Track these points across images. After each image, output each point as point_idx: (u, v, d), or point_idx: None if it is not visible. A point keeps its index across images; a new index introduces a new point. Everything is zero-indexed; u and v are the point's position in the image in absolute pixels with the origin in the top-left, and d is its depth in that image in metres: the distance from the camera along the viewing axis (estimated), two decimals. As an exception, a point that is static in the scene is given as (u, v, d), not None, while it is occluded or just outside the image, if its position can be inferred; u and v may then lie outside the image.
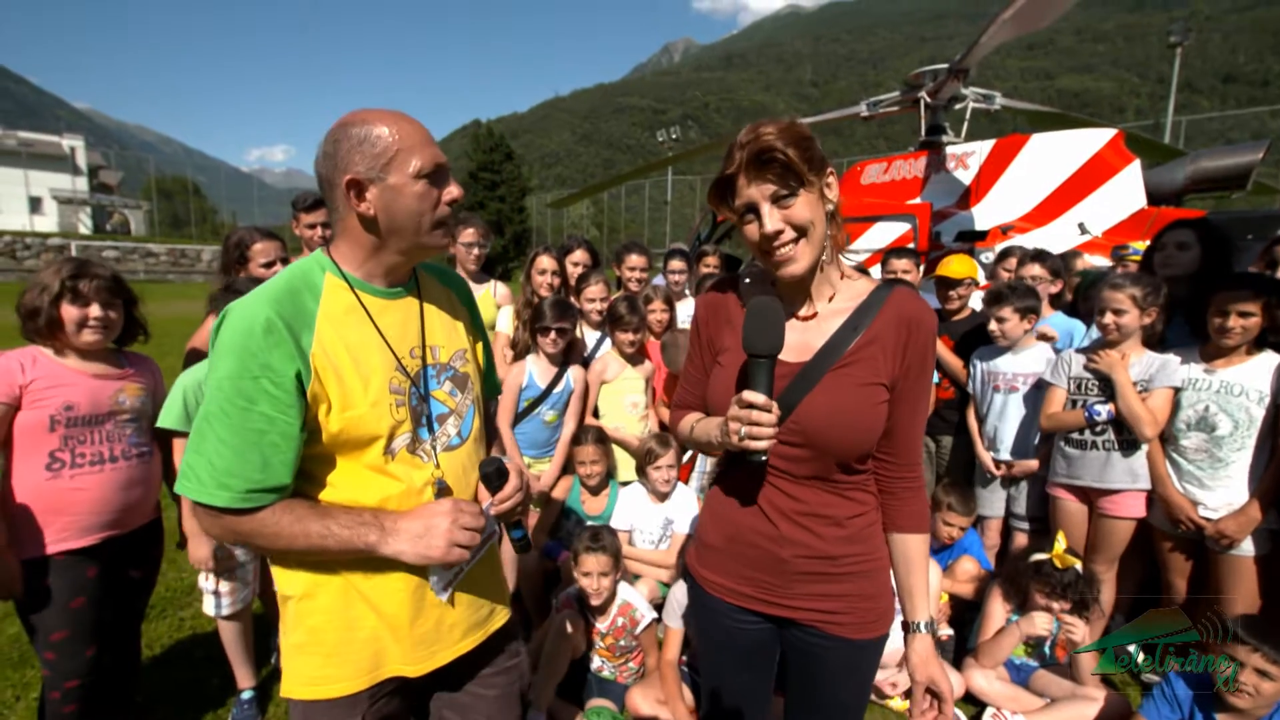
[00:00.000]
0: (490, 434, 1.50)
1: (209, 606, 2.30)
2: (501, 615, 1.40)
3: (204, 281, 27.95)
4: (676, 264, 4.18)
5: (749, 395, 1.11)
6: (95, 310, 1.83)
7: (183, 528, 2.20)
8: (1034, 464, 2.93)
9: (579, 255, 3.70)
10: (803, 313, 1.27)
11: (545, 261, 3.42)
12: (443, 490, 1.23)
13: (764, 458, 1.14)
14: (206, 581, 2.27)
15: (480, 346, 1.46)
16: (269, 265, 2.58)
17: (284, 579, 1.21)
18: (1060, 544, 2.47)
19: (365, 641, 1.21)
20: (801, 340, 1.25)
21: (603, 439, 3.12)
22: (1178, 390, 2.52)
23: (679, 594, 2.54)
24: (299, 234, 3.29)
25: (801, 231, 1.15)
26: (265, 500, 1.08)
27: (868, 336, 1.21)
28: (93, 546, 1.88)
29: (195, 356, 2.40)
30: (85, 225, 39.00)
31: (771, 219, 1.14)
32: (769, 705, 1.46)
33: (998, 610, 2.60)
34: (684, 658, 2.59)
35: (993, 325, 2.99)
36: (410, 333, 1.24)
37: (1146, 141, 8.58)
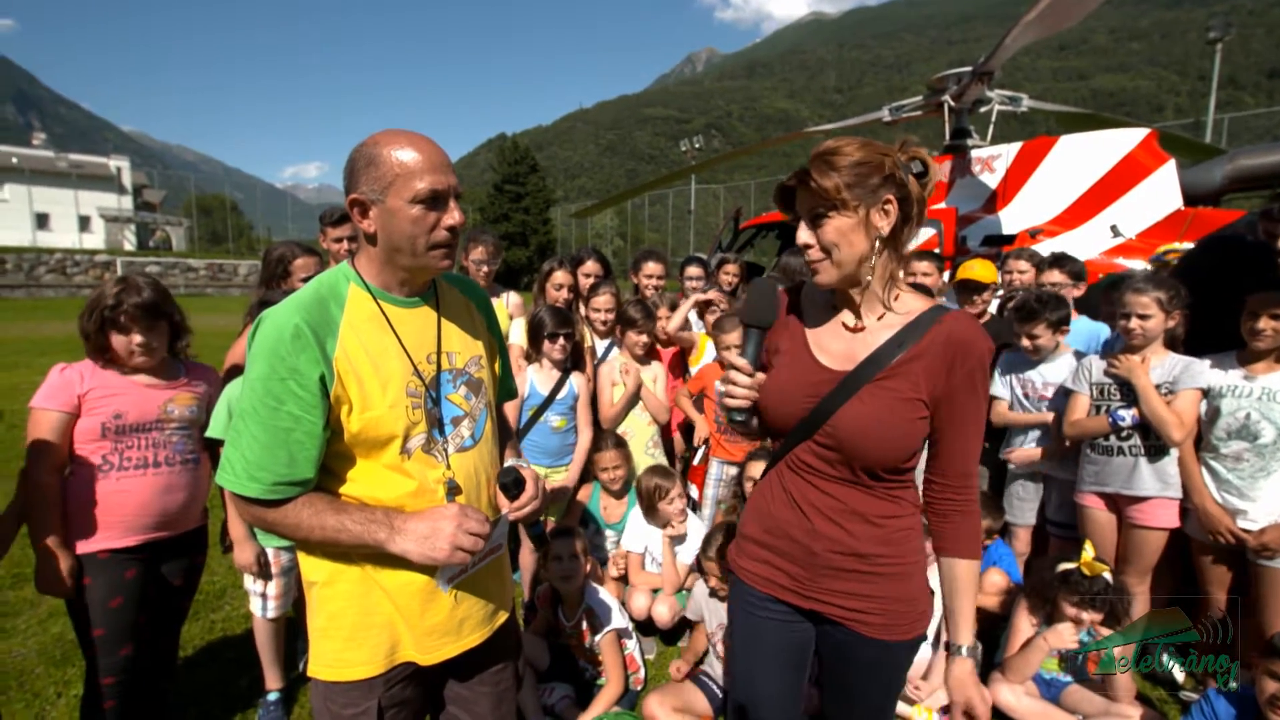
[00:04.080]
0: (504, 435, 1.55)
1: (255, 607, 2.37)
2: (504, 615, 1.46)
3: (240, 295, 28.85)
4: (693, 270, 4.20)
5: (733, 358, 1.24)
6: (137, 338, 1.94)
7: (230, 533, 2.27)
8: (1037, 452, 2.91)
9: (590, 266, 3.73)
10: (851, 324, 1.31)
11: (560, 276, 3.46)
12: (452, 489, 1.28)
13: (740, 418, 1.27)
14: (254, 584, 2.34)
15: (495, 351, 1.53)
16: (308, 280, 2.66)
17: (309, 566, 1.29)
18: (1088, 552, 2.39)
19: (381, 628, 1.28)
20: (847, 350, 1.29)
21: (622, 444, 3.13)
22: (1206, 392, 2.44)
23: (699, 592, 2.55)
24: (326, 247, 3.39)
25: (826, 251, 1.23)
26: (290, 493, 1.17)
27: (912, 353, 1.23)
28: (134, 548, 1.96)
29: (236, 373, 2.49)
30: (130, 242, 40.67)
31: (803, 232, 1.24)
32: (798, 705, 1.46)
33: (1024, 624, 2.53)
34: (702, 666, 2.58)
35: (1025, 342, 2.89)
36: (427, 339, 1.31)
37: (1184, 140, 8.32)
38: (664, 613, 2.86)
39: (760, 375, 1.27)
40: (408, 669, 1.32)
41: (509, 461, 1.44)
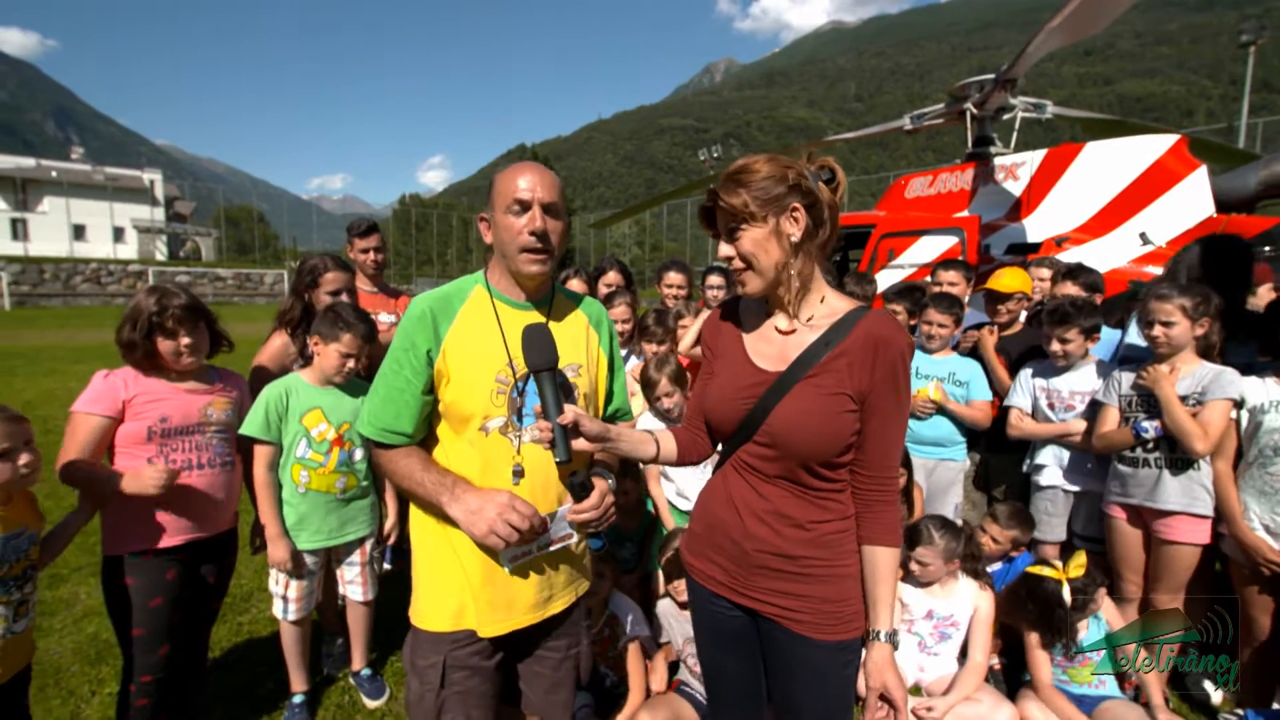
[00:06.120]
0: None
1: (277, 610, 2.41)
2: (560, 602, 1.56)
3: (266, 304, 29.47)
4: (714, 279, 4.19)
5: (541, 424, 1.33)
6: (185, 340, 2.01)
7: (265, 530, 2.30)
8: (1074, 425, 2.83)
9: (611, 276, 3.74)
10: (783, 327, 1.39)
11: (574, 285, 3.48)
12: (518, 473, 1.44)
13: (557, 459, 1.28)
14: (276, 586, 2.38)
15: (602, 366, 1.65)
16: (335, 294, 2.72)
17: (413, 521, 1.54)
18: (1049, 569, 2.45)
19: (452, 591, 1.47)
20: (780, 352, 1.38)
21: (630, 472, 3.11)
22: (1240, 404, 2.36)
23: (662, 610, 2.55)
24: (353, 257, 3.46)
25: (746, 261, 1.31)
26: (395, 440, 1.43)
27: (838, 351, 1.31)
28: (174, 548, 2.02)
29: (261, 374, 2.55)
30: (161, 252, 41.84)
31: (723, 246, 1.35)
32: (761, 692, 1.51)
33: (1040, 655, 2.48)
34: (679, 678, 2.56)
35: (1055, 346, 2.84)
36: None
37: (1216, 146, 8.13)
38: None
39: (571, 409, 1.28)
40: (472, 636, 1.47)
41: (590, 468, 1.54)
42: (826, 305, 1.37)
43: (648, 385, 2.93)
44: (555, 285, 1.58)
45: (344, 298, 2.71)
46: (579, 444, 1.29)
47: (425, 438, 1.49)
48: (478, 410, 1.41)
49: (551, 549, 1.49)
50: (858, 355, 1.29)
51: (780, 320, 1.40)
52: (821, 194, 1.29)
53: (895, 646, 1.35)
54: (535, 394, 1.42)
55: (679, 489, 3.03)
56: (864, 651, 1.37)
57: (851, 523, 1.37)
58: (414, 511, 1.52)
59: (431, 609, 1.49)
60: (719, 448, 1.52)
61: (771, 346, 1.39)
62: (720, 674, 1.55)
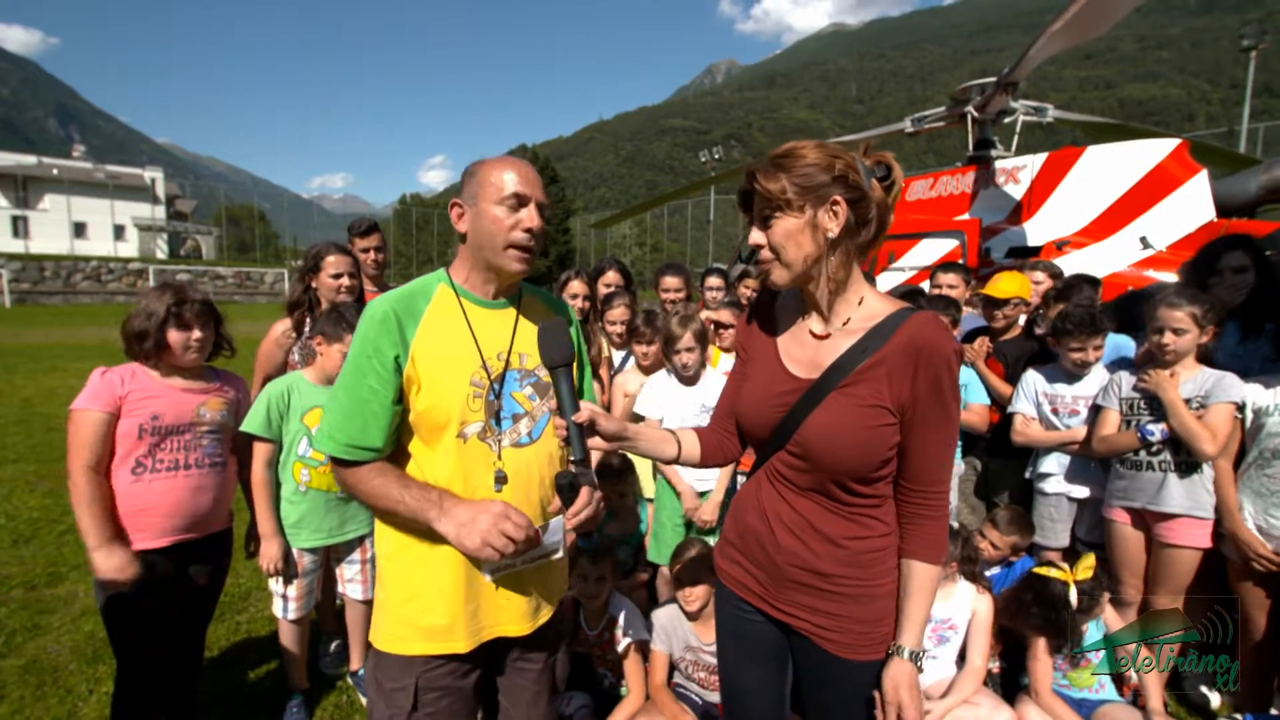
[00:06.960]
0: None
1: (277, 608, 2.41)
2: (546, 613, 1.53)
3: (267, 302, 29.47)
4: (714, 281, 4.20)
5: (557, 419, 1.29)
6: (197, 333, 2.02)
7: (259, 529, 2.31)
8: (1081, 432, 2.80)
9: (610, 276, 3.73)
10: (817, 331, 1.30)
11: (576, 286, 3.47)
12: (500, 479, 1.38)
13: (573, 458, 1.25)
14: (277, 584, 2.38)
15: (574, 365, 1.58)
16: (336, 277, 2.74)
17: (380, 537, 1.43)
18: (1056, 570, 2.42)
19: (422, 613, 1.37)
20: (813, 358, 1.29)
21: (624, 472, 3.09)
22: (1241, 407, 2.37)
23: (662, 617, 2.53)
24: (354, 256, 3.47)
25: (774, 252, 1.24)
26: (362, 456, 1.32)
27: (876, 359, 1.20)
28: (165, 549, 2.01)
29: (271, 373, 2.58)
30: (162, 250, 41.84)
31: (755, 233, 1.26)
32: (784, 707, 1.47)
33: (1045, 660, 2.47)
34: (673, 680, 2.55)
35: (1087, 355, 2.80)
36: (501, 338, 1.43)
37: (1217, 150, 8.14)
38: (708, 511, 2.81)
39: (588, 407, 1.24)
40: (445, 660, 1.39)
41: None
42: (865, 308, 1.27)
43: (669, 340, 2.87)
44: (520, 283, 1.53)
45: (347, 280, 2.75)
46: (596, 443, 1.23)
47: (393, 453, 1.38)
48: (454, 416, 1.33)
49: (538, 562, 1.44)
50: (897, 364, 1.18)
51: (814, 323, 1.30)
52: (873, 191, 1.19)
53: (920, 669, 1.26)
54: (511, 396, 1.41)
55: (697, 474, 2.96)
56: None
57: (891, 540, 1.29)
58: (382, 537, 1.42)
59: (398, 633, 1.38)
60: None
61: (805, 351, 1.30)
62: (741, 684, 1.47)
